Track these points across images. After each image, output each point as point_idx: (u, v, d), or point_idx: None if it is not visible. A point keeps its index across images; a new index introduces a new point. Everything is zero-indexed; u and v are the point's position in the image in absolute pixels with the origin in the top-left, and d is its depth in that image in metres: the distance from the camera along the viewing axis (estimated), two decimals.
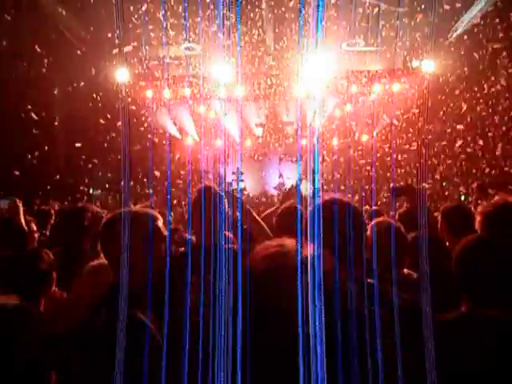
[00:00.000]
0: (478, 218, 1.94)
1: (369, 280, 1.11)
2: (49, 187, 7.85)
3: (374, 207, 5.00)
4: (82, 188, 8.86)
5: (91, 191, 9.31)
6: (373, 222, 1.79)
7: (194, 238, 1.86)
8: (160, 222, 1.61)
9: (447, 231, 2.43)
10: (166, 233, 1.63)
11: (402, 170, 8.72)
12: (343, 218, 1.07)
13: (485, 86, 7.71)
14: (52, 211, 3.82)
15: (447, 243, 2.39)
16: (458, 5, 7.38)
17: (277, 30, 8.63)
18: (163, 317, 1.39)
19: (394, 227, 1.72)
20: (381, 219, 1.90)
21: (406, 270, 1.63)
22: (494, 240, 1.51)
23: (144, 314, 1.39)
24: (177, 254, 1.99)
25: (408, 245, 1.76)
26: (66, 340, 1.55)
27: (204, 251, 1.63)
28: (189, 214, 2.15)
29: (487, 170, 8.00)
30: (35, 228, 2.60)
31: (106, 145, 9.12)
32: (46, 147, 8.19)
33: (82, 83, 8.42)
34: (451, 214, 2.50)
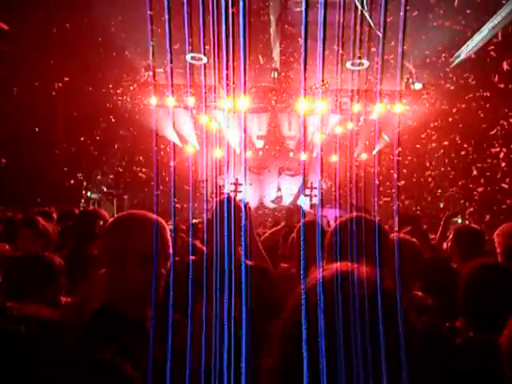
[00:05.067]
0: (496, 240, 1.95)
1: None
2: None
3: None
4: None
5: (89, 194, 9.26)
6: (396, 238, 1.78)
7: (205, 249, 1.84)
8: (167, 233, 1.36)
9: (458, 252, 2.45)
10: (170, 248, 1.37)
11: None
12: (372, 235, 1.07)
13: (486, 107, 7.86)
14: (54, 214, 3.78)
15: (455, 264, 2.40)
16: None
17: (283, 44, 8.77)
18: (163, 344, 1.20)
19: (414, 243, 1.73)
20: (403, 235, 1.90)
21: (419, 293, 1.63)
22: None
23: (137, 342, 1.13)
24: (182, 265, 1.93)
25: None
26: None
27: (219, 262, 1.61)
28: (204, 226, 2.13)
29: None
30: (52, 229, 2.49)
31: (104, 148, 9.12)
32: (45, 149, 8.16)
33: (87, 87, 8.43)
34: (464, 235, 2.51)
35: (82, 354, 0.73)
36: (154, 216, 1.36)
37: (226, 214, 1.77)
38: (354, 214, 1.29)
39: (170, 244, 1.37)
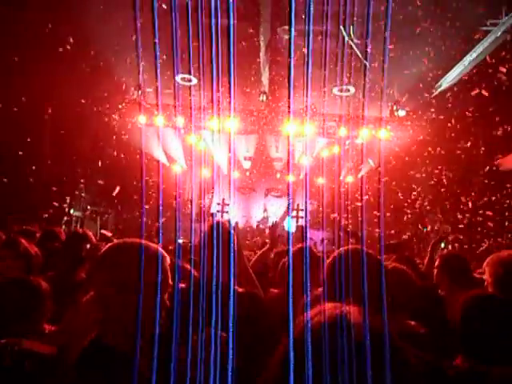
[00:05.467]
0: (487, 269, 1.97)
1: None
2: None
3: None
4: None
5: (71, 212, 9.07)
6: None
7: (196, 273, 1.81)
8: (167, 263, 1.34)
9: (445, 279, 2.47)
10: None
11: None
12: (370, 270, 1.06)
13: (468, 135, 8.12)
14: (37, 233, 3.67)
15: (442, 292, 2.43)
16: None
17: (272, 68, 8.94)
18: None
19: (406, 272, 1.74)
20: (393, 263, 1.91)
21: (412, 322, 1.63)
22: (503, 296, 1.52)
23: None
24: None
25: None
26: None
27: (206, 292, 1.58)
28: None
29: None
30: (35, 250, 2.34)
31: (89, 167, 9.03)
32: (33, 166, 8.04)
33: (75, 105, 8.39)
34: (451, 262, 2.55)
35: None
36: (156, 246, 1.36)
37: (215, 241, 1.76)
38: (351, 246, 1.30)
39: (170, 274, 1.36)
